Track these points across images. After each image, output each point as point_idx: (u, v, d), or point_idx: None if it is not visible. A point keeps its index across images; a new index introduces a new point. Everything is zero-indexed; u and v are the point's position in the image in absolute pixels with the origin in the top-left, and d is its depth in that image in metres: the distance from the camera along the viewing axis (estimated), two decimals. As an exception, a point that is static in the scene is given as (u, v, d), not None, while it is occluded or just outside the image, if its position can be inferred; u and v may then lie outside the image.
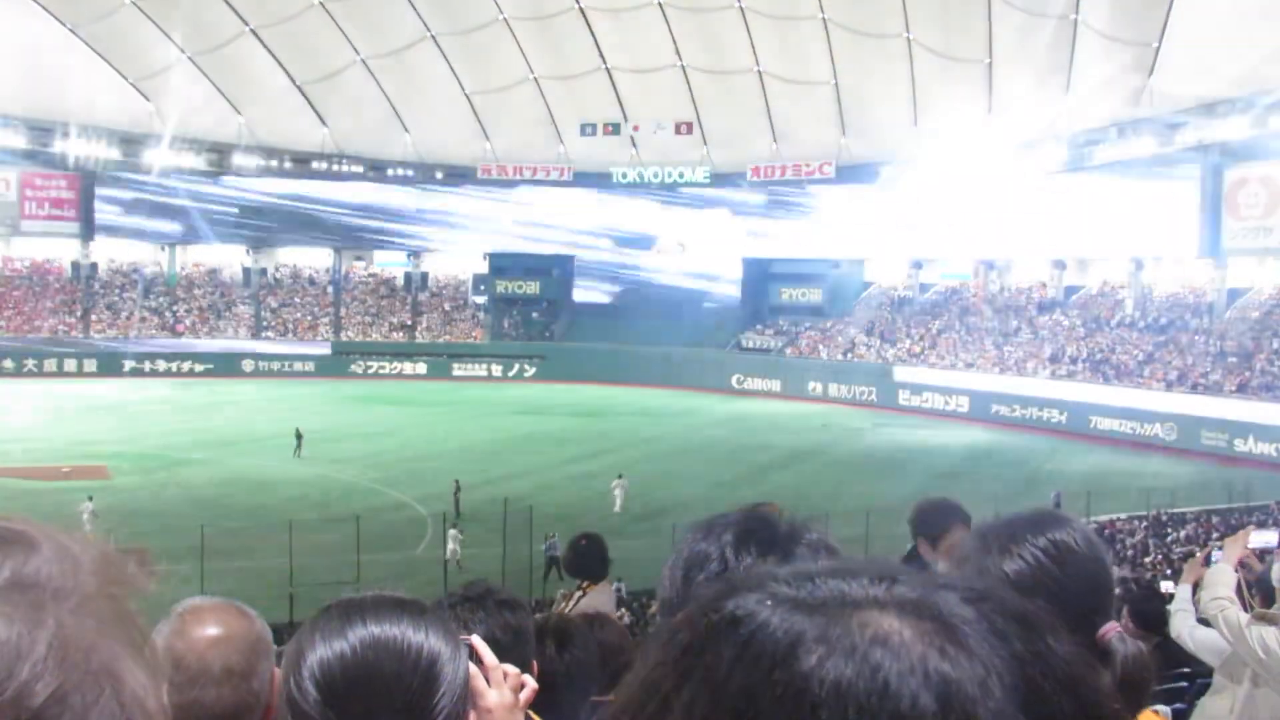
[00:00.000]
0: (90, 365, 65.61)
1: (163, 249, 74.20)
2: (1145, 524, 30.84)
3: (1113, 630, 2.23)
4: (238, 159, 72.75)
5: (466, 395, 61.82)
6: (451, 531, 28.91)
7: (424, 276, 78.49)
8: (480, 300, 77.51)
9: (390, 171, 75.91)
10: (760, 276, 73.66)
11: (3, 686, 0.70)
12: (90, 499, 30.90)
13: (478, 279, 77.98)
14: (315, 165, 74.89)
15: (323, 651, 1.55)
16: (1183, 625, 5.16)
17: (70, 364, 65.54)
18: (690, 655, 0.70)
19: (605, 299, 76.02)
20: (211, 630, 2.13)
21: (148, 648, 0.80)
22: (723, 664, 0.68)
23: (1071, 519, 2.40)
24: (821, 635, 0.67)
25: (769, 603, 0.71)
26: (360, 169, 75.70)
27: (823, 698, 0.65)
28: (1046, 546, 2.26)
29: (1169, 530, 30.12)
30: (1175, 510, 33.07)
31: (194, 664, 2.02)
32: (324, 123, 73.68)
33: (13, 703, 0.70)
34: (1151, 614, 5.88)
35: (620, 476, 35.86)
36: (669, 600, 1.95)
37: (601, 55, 69.17)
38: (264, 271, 76.30)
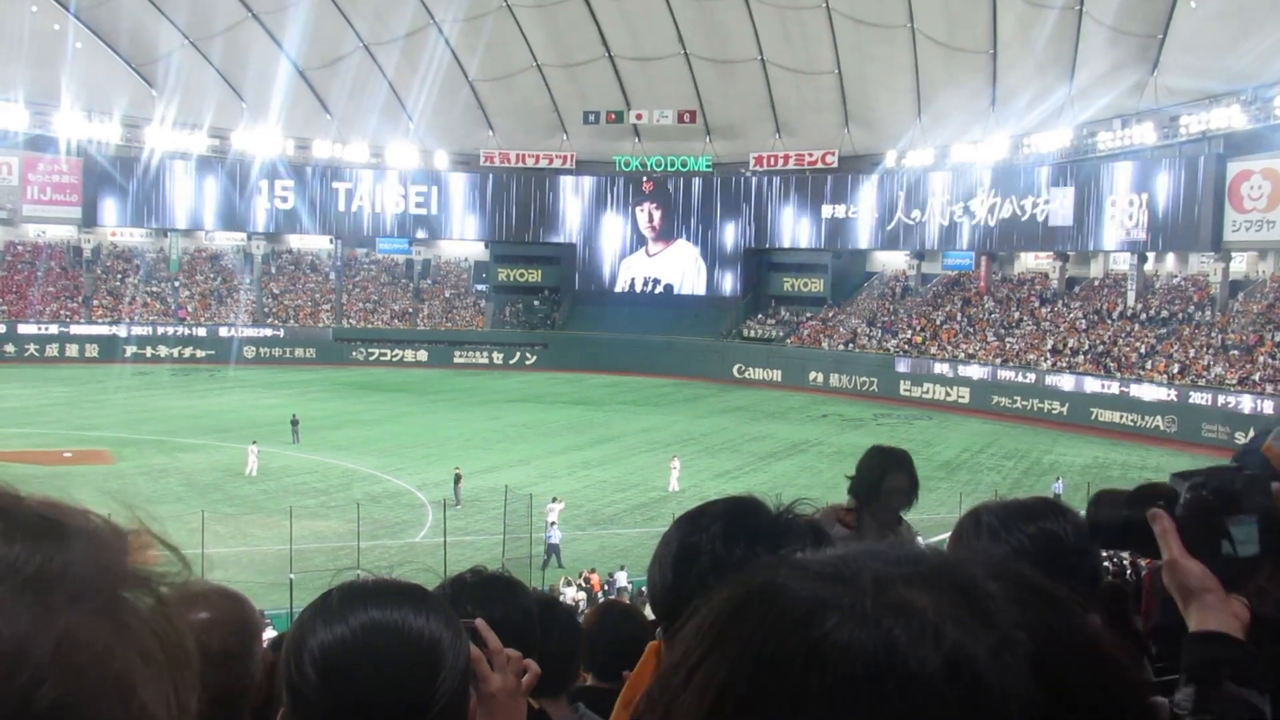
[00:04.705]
0: (92, 350, 65.67)
1: (164, 234, 74.15)
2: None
3: None
4: (240, 144, 72.65)
5: (467, 383, 61.84)
6: (554, 506, 29.23)
7: (426, 264, 78.47)
8: (482, 288, 77.53)
9: (393, 158, 75.79)
10: (762, 266, 73.67)
11: (2, 688, 0.67)
12: (255, 442, 35.73)
13: (479, 266, 77.99)
14: (318, 151, 74.79)
15: (323, 636, 1.54)
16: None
17: (72, 349, 65.60)
18: (721, 624, 0.74)
19: (606, 287, 75.97)
20: (204, 614, 2.13)
21: (179, 652, 0.77)
22: (748, 630, 0.72)
23: (1066, 511, 2.41)
24: (840, 603, 0.71)
25: (800, 576, 0.74)
26: (363, 155, 75.60)
27: (834, 659, 0.68)
28: (1035, 534, 2.31)
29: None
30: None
31: None
32: (327, 109, 73.58)
33: (12, 705, 0.67)
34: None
35: (674, 456, 36.50)
36: (660, 595, 1.93)
37: (605, 43, 69.05)
38: (266, 257, 76.27)
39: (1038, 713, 0.67)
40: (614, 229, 76.05)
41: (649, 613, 2.92)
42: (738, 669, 0.70)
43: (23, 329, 65.71)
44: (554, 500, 29.83)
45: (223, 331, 69.20)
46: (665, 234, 75.14)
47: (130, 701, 0.72)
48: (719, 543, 1.85)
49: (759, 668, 0.70)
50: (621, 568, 25.90)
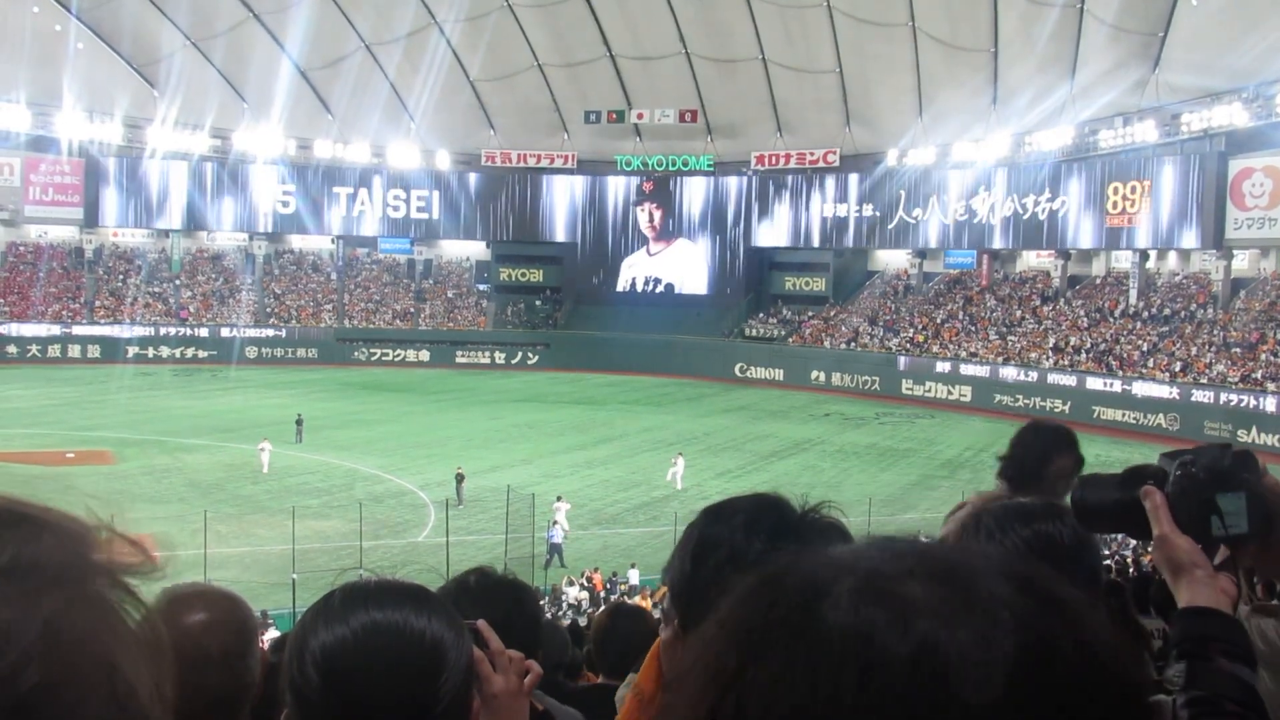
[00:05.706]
0: (94, 351, 65.68)
1: (166, 234, 74.14)
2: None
3: None
4: (241, 144, 72.65)
5: (469, 383, 61.82)
6: (560, 505, 29.62)
7: (428, 264, 78.45)
8: (483, 288, 77.52)
9: (394, 158, 75.76)
10: (763, 265, 73.63)
11: None
12: (266, 439, 36.16)
13: (481, 266, 77.97)
14: (319, 151, 74.77)
15: (325, 636, 1.54)
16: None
17: (74, 349, 65.63)
18: (729, 609, 0.80)
19: (608, 287, 75.91)
20: (202, 615, 2.14)
21: (154, 641, 0.78)
22: (748, 613, 0.78)
23: (1066, 513, 2.40)
24: (831, 590, 0.75)
25: (807, 567, 0.79)
26: (365, 155, 75.57)
27: (816, 641, 0.73)
28: (1030, 537, 2.33)
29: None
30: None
31: (191, 650, 2.03)
32: (328, 109, 73.57)
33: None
34: (1151, 599, 5.88)
35: (679, 454, 36.72)
36: (678, 585, 1.95)
37: (606, 42, 69.01)
38: (267, 258, 76.27)
39: (1003, 712, 0.69)
40: (615, 228, 76.00)
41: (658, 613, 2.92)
42: (733, 648, 0.76)
43: (25, 330, 65.71)
44: (559, 499, 29.85)
45: (224, 332, 69.18)
46: (666, 233, 75.09)
47: (115, 682, 0.73)
48: (739, 536, 1.87)
49: (752, 647, 0.75)
50: (633, 565, 25.92)
